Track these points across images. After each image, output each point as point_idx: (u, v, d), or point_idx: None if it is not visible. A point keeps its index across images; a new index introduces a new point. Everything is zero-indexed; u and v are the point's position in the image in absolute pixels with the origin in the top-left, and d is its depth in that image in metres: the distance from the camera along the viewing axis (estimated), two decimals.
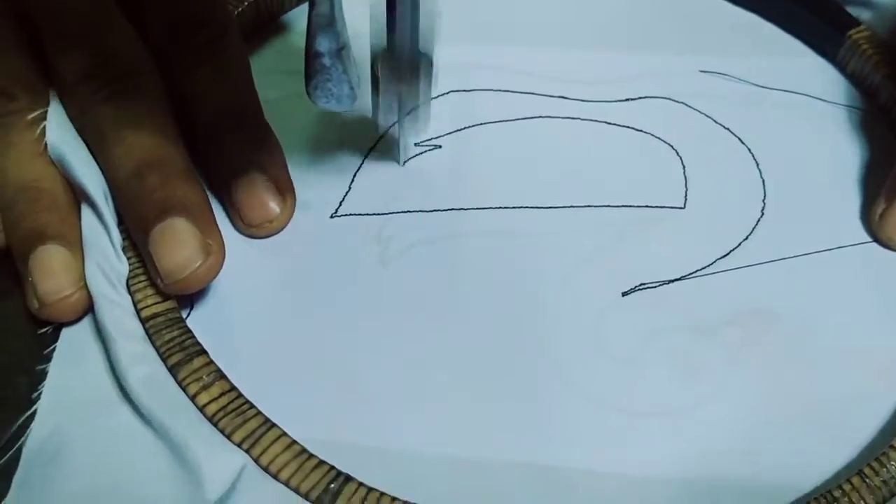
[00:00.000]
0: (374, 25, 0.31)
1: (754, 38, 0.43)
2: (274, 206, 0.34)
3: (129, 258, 0.32)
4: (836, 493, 0.27)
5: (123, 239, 0.32)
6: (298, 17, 0.44)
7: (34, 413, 0.30)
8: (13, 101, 0.32)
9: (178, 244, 0.30)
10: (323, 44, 0.26)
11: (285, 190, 0.34)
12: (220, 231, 0.32)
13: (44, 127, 0.32)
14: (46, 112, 0.33)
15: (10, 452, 0.29)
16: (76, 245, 0.32)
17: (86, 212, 0.32)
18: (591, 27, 0.44)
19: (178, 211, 0.30)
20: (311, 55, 0.27)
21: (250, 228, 0.34)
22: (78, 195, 0.33)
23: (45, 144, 0.32)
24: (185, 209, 0.31)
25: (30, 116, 0.32)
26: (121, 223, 0.32)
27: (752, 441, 0.30)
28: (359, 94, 0.28)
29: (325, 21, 0.26)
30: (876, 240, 0.35)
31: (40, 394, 0.30)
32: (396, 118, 0.34)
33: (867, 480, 0.28)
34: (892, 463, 0.28)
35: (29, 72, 0.33)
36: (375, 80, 0.32)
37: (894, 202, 0.34)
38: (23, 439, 0.29)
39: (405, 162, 0.37)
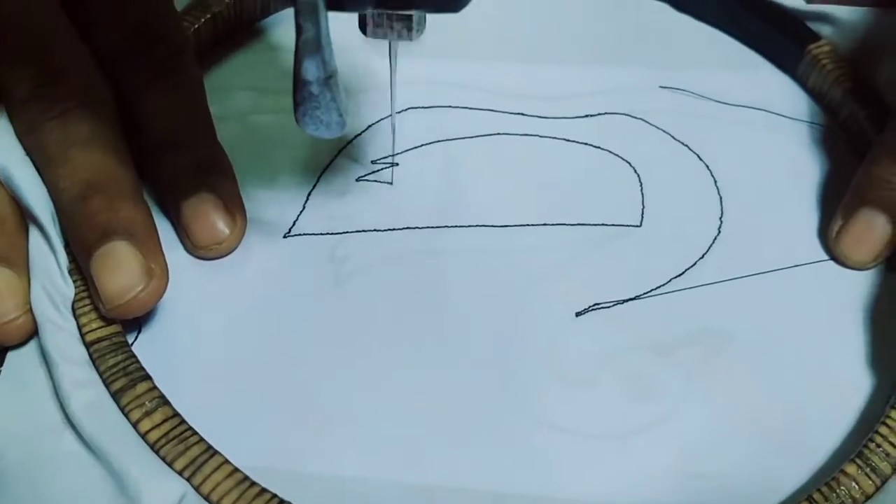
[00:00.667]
0: None
1: (715, 53, 0.43)
2: (223, 227, 0.33)
3: (74, 281, 0.31)
4: None
5: (70, 261, 0.32)
6: (266, 29, 0.43)
7: None
8: None
9: (119, 268, 0.30)
10: (311, 71, 0.26)
11: (235, 210, 0.34)
12: (163, 255, 0.31)
13: None
14: None
15: None
16: (22, 267, 0.31)
17: (33, 233, 0.32)
18: (551, 43, 0.43)
19: (120, 234, 0.30)
20: (298, 83, 0.26)
21: (199, 250, 0.34)
22: (25, 216, 0.32)
23: None
24: (128, 232, 0.30)
25: None
26: (67, 245, 0.32)
27: (703, 463, 0.30)
28: (347, 121, 0.28)
29: (313, 49, 0.25)
30: (832, 257, 0.35)
31: None
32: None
33: None
34: (842, 488, 0.28)
35: None
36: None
37: (850, 220, 0.34)
38: None
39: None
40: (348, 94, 0.35)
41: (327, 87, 0.26)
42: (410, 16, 0.30)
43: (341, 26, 0.28)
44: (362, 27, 0.30)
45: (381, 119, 0.39)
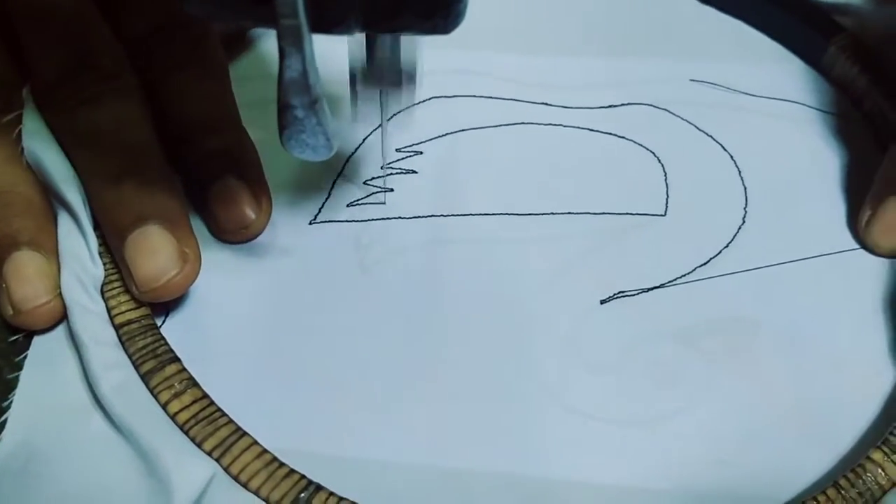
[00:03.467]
0: (352, 39, 0.30)
1: (739, 45, 0.43)
2: (249, 212, 0.33)
3: (104, 263, 0.32)
4: None
5: (99, 244, 0.32)
6: None
7: (4, 422, 0.29)
8: None
9: (153, 252, 0.30)
10: (295, 97, 0.25)
11: (261, 195, 0.34)
12: (196, 239, 0.32)
13: (20, 130, 0.32)
14: (21, 115, 0.32)
15: None
16: (52, 251, 0.31)
17: (62, 217, 0.32)
18: (574, 33, 0.43)
19: (154, 218, 0.30)
20: (282, 107, 0.26)
21: (225, 234, 0.34)
22: (54, 200, 0.32)
23: (22, 148, 0.32)
24: (162, 216, 0.30)
25: (5, 119, 0.32)
26: (97, 228, 0.32)
27: (728, 450, 0.30)
28: (336, 143, 0.27)
29: (297, 73, 0.25)
30: (863, 246, 0.35)
31: (11, 402, 0.30)
32: (377, 124, 0.33)
33: (843, 492, 0.27)
34: (868, 474, 0.28)
35: (5, 72, 0.33)
36: (355, 92, 0.31)
37: (879, 209, 0.34)
38: None
39: (387, 168, 0.37)
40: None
41: (313, 111, 0.26)
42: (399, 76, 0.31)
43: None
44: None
45: (405, 108, 0.39)
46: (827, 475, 0.29)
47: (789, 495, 0.29)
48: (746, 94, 0.40)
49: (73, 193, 0.32)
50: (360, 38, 0.30)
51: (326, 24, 0.25)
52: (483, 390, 0.31)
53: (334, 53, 0.29)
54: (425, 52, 0.33)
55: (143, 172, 0.31)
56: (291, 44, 0.24)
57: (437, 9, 0.25)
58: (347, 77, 0.30)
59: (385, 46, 0.29)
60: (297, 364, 0.31)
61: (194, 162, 0.34)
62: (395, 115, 0.35)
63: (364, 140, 0.38)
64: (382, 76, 0.31)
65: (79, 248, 0.31)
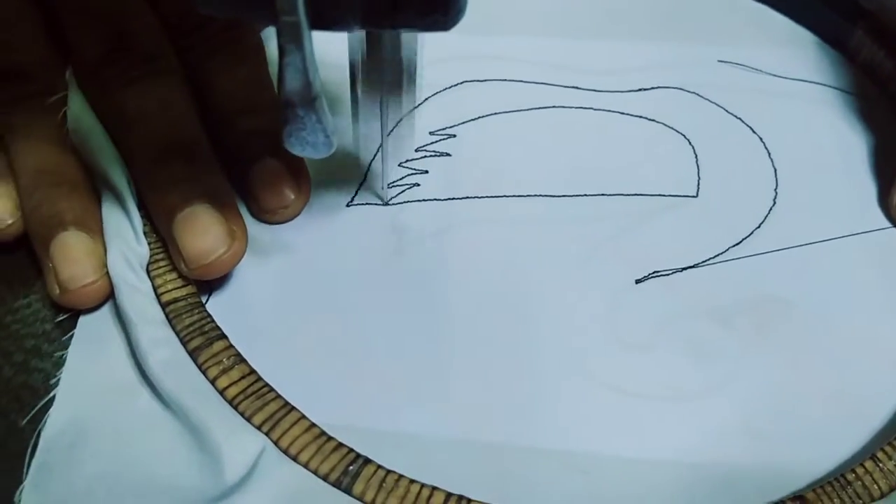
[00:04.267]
0: (352, 44, 0.30)
1: (766, 29, 0.44)
2: (289, 193, 0.34)
3: (149, 243, 0.32)
4: (850, 477, 0.28)
5: (144, 224, 0.32)
6: None
7: (52, 399, 0.30)
8: (32, 83, 0.32)
9: (203, 230, 0.30)
10: (295, 94, 0.25)
11: (300, 176, 0.34)
12: (242, 217, 0.32)
13: (65, 112, 0.32)
14: (66, 96, 0.33)
15: (32, 439, 0.29)
16: (97, 231, 0.32)
17: (107, 197, 0.32)
18: (602, 18, 0.44)
19: (202, 197, 0.31)
20: (283, 104, 0.26)
21: (265, 214, 0.34)
22: (98, 180, 0.33)
23: (67, 130, 0.32)
24: (210, 195, 0.31)
25: (49, 100, 0.32)
26: (141, 208, 0.32)
27: (765, 426, 0.30)
28: (336, 141, 0.27)
29: (296, 70, 0.25)
30: (894, 224, 0.35)
31: (58, 380, 0.30)
32: (378, 144, 0.33)
33: (880, 464, 0.28)
34: None
35: (48, 54, 0.33)
36: (355, 94, 0.32)
37: None
38: (41, 425, 0.29)
39: (389, 189, 0.36)
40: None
41: (312, 108, 0.26)
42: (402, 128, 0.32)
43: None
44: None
45: (439, 91, 0.40)
46: (863, 449, 0.30)
47: (825, 469, 0.29)
48: (774, 75, 0.41)
49: (117, 174, 0.32)
50: (360, 36, 0.30)
51: (326, 21, 0.25)
52: (519, 367, 0.31)
53: (334, 51, 0.29)
54: (455, 37, 0.33)
55: (189, 152, 0.32)
56: (291, 41, 0.24)
57: (435, 5, 0.25)
58: (347, 75, 0.31)
59: (385, 46, 0.29)
60: (337, 342, 0.32)
61: (233, 143, 0.34)
62: (429, 97, 0.35)
63: (398, 122, 0.38)
64: (382, 76, 0.31)
65: (124, 228, 0.32)
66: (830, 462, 0.29)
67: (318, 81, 0.26)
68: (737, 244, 0.35)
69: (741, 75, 0.41)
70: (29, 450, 0.29)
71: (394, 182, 0.36)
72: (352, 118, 0.33)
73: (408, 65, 0.31)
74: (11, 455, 0.28)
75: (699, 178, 0.37)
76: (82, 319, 0.32)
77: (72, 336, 0.31)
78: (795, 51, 0.42)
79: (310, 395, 0.30)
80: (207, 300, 0.32)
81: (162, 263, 0.32)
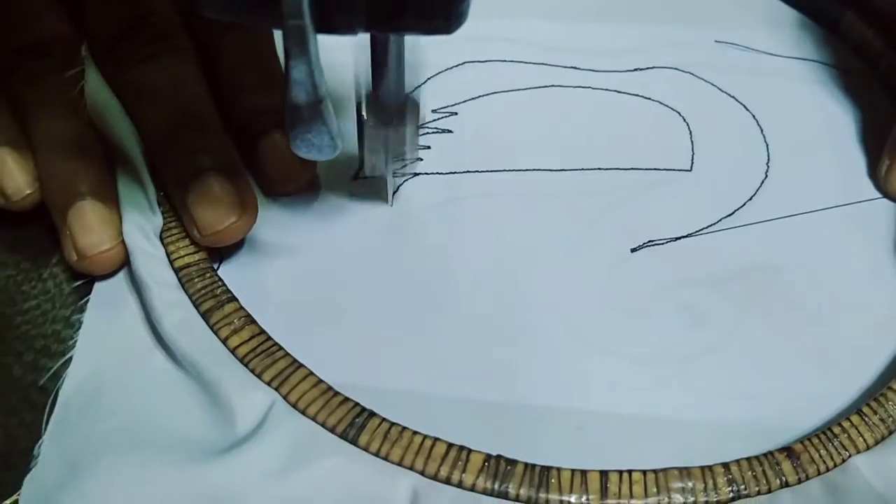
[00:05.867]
0: (358, 70, 0.31)
1: (760, 12, 0.45)
2: (296, 165, 0.35)
3: (162, 212, 0.33)
4: (836, 430, 0.29)
5: (158, 194, 0.34)
6: None
7: (69, 359, 0.31)
8: (50, 59, 0.34)
9: (215, 200, 0.31)
10: (301, 96, 0.26)
11: None
12: (252, 188, 0.33)
13: (82, 86, 0.34)
14: (82, 71, 0.34)
15: (51, 397, 0.30)
16: (113, 200, 0.33)
17: (122, 168, 0.34)
18: (601, 0, 0.45)
19: (214, 168, 0.32)
20: (289, 107, 0.26)
21: (274, 186, 0.35)
22: (114, 152, 0.34)
23: (84, 104, 0.34)
24: (221, 166, 0.32)
25: (67, 74, 0.34)
26: (154, 179, 0.34)
27: (755, 385, 0.31)
28: (341, 143, 0.28)
29: (302, 73, 0.25)
30: (885, 195, 0.37)
31: (76, 341, 0.32)
32: (384, 161, 0.34)
33: (866, 419, 0.29)
34: (891, 403, 0.29)
35: (65, 30, 0.34)
36: (361, 125, 0.32)
37: None
38: (59, 383, 0.30)
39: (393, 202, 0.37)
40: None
41: (317, 111, 0.26)
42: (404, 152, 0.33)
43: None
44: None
45: (441, 71, 0.41)
46: (850, 406, 0.31)
47: (813, 425, 0.30)
48: (768, 53, 0.42)
49: (132, 147, 0.33)
50: (366, 65, 0.31)
51: (331, 24, 0.25)
52: (518, 331, 0.33)
53: (340, 55, 0.30)
54: None
55: (201, 126, 0.33)
56: (297, 44, 0.25)
57: (438, 10, 0.25)
58: (352, 78, 0.32)
59: (391, 54, 0.30)
60: (341, 306, 0.33)
61: (243, 119, 0.35)
62: (431, 76, 0.36)
63: (411, 93, 0.39)
64: (388, 106, 0.32)
65: (139, 198, 0.33)
66: (818, 418, 0.30)
67: (324, 84, 0.26)
68: (729, 215, 0.36)
69: (735, 55, 0.42)
70: (48, 408, 0.30)
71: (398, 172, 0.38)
72: (357, 143, 0.34)
73: (412, 93, 0.32)
74: (25, 451, 0.29)
75: (693, 153, 0.38)
76: (98, 285, 0.33)
77: (88, 301, 0.33)
78: (789, 31, 0.44)
79: (316, 356, 0.31)
80: (219, 266, 0.34)
81: (175, 231, 0.33)
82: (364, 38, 0.30)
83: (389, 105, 0.32)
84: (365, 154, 0.33)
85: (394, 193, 0.36)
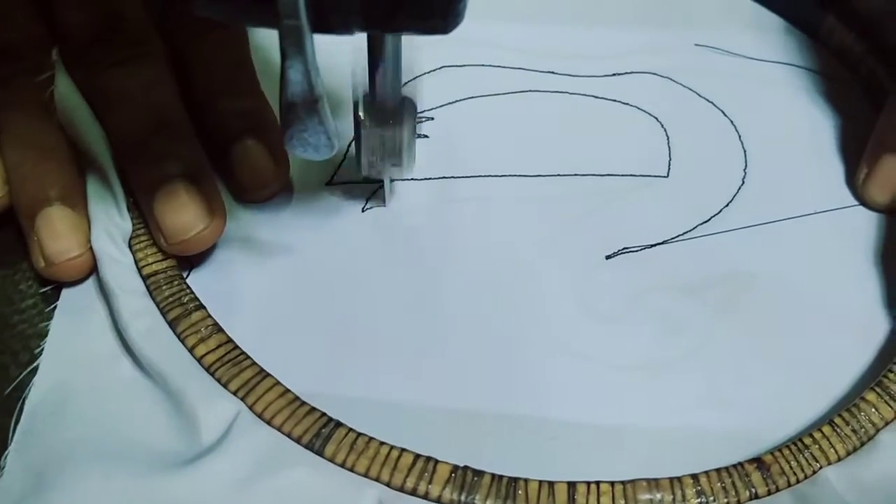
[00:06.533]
0: (356, 71, 0.31)
1: (740, 15, 0.45)
2: (268, 172, 0.35)
3: (131, 218, 0.33)
4: (807, 441, 0.29)
5: (127, 200, 0.33)
6: None
7: (36, 368, 0.31)
8: (21, 62, 0.33)
9: (182, 207, 0.31)
10: (297, 95, 0.26)
11: (280, 157, 0.35)
12: (221, 196, 0.33)
13: (52, 90, 0.33)
14: (53, 75, 0.34)
15: (17, 407, 0.30)
16: (82, 206, 0.33)
17: (91, 174, 0.33)
18: (579, 4, 0.45)
19: (182, 175, 0.32)
20: (285, 106, 0.26)
21: (245, 193, 0.35)
22: (83, 158, 0.34)
23: (55, 107, 0.33)
24: (190, 173, 0.32)
25: (38, 78, 0.33)
26: (124, 185, 0.33)
27: (728, 394, 0.31)
28: (337, 142, 0.28)
29: (299, 73, 0.25)
30: (862, 203, 0.36)
31: (42, 349, 0.31)
32: (380, 161, 0.34)
33: (837, 430, 0.29)
34: (863, 414, 0.29)
35: (36, 33, 0.34)
36: (358, 125, 0.32)
37: (875, 166, 0.36)
38: (25, 392, 0.30)
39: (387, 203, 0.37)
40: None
41: (314, 110, 0.26)
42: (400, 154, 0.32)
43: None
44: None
45: (418, 76, 0.41)
46: (823, 416, 0.30)
47: (786, 434, 0.30)
48: (747, 57, 0.42)
49: (102, 152, 0.33)
50: (363, 68, 0.30)
51: (327, 24, 0.25)
52: (491, 338, 0.32)
53: (336, 54, 0.30)
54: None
55: (170, 132, 0.33)
56: (293, 44, 0.24)
57: (435, 9, 0.25)
58: (349, 77, 0.32)
59: (387, 53, 0.30)
60: (313, 315, 0.33)
61: (215, 125, 0.35)
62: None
63: None
64: (385, 107, 0.31)
65: (108, 203, 0.33)
66: (791, 428, 0.30)
67: (321, 84, 0.26)
68: (705, 222, 0.36)
69: (714, 60, 0.42)
70: (14, 417, 0.29)
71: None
72: (355, 146, 0.34)
73: (409, 94, 0.32)
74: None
75: (670, 158, 0.38)
76: (65, 292, 0.33)
77: (55, 308, 0.32)
78: (769, 35, 0.44)
79: (286, 364, 0.30)
80: (188, 275, 0.33)
81: (143, 238, 0.33)
82: (361, 39, 0.29)
83: (386, 105, 0.31)
84: (362, 155, 0.33)
85: (387, 194, 0.36)
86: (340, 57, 0.30)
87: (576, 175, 0.37)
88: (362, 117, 0.32)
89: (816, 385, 0.31)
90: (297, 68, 0.25)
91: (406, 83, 0.32)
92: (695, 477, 0.28)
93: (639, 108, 0.40)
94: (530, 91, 0.41)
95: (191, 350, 0.30)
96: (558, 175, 0.37)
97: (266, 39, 0.38)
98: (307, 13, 0.24)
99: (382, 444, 0.28)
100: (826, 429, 0.29)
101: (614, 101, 0.40)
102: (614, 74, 0.41)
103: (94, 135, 0.33)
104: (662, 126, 0.39)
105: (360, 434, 0.28)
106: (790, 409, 0.31)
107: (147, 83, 0.33)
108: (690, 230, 0.36)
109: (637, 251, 0.35)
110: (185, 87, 0.35)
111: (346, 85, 0.32)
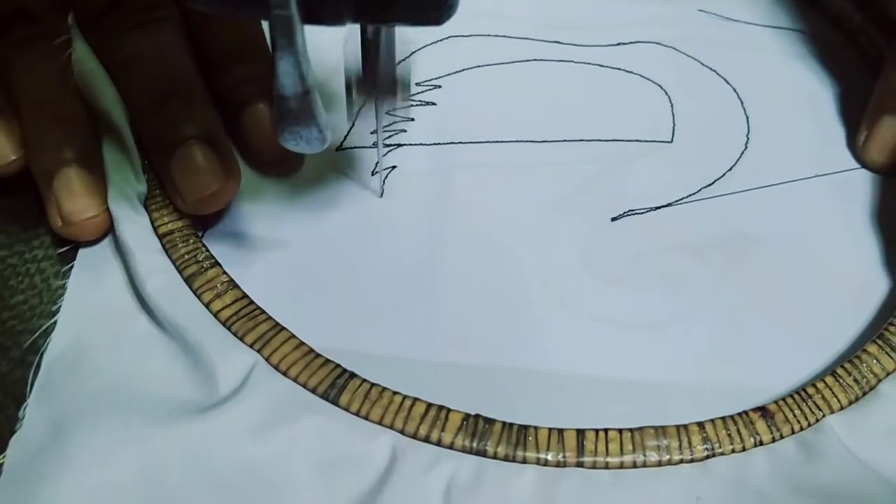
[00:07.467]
0: (348, 49, 0.31)
1: None
2: None
3: (147, 180, 0.34)
4: (810, 391, 0.29)
5: (143, 161, 0.34)
6: None
7: (54, 324, 0.31)
8: (37, 25, 0.34)
9: (198, 167, 0.32)
10: (288, 87, 0.26)
11: None
12: (235, 156, 0.34)
13: (69, 53, 0.34)
14: (70, 39, 0.34)
15: (35, 361, 0.30)
16: (99, 167, 0.33)
17: (108, 136, 0.34)
18: None
19: (198, 136, 0.32)
20: (276, 99, 0.26)
21: (256, 157, 0.36)
22: (100, 120, 0.34)
23: (72, 71, 0.34)
24: (205, 134, 0.32)
25: (55, 41, 0.34)
26: (139, 146, 0.34)
27: (731, 349, 0.32)
28: (329, 136, 0.28)
29: (290, 65, 0.25)
30: (863, 165, 0.37)
31: (60, 307, 0.32)
32: (372, 130, 0.34)
33: (840, 380, 0.29)
34: (865, 365, 0.30)
35: None
36: (350, 94, 0.32)
37: (874, 128, 0.36)
38: (43, 347, 0.31)
39: (382, 192, 0.37)
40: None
41: (306, 102, 0.26)
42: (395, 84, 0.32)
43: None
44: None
45: (425, 45, 0.41)
46: (825, 369, 0.31)
47: (789, 387, 0.30)
48: (748, 23, 0.43)
49: (118, 115, 0.34)
50: (356, 47, 0.31)
51: (319, 15, 0.25)
52: (500, 296, 0.33)
53: (327, 45, 0.30)
54: None
55: (186, 95, 0.33)
56: (283, 35, 0.24)
57: (428, 0, 0.25)
58: (342, 69, 0.32)
59: (379, 54, 0.30)
60: (325, 273, 0.33)
61: (227, 89, 0.36)
62: (415, 51, 0.37)
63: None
64: (377, 85, 0.32)
65: (124, 165, 0.33)
66: (793, 381, 0.31)
67: (312, 76, 0.26)
68: (709, 185, 0.36)
69: (717, 29, 0.43)
70: (32, 371, 0.30)
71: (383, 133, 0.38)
72: (347, 118, 0.34)
73: (402, 73, 0.32)
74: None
75: (674, 125, 0.39)
76: (82, 251, 0.33)
77: (72, 267, 0.33)
78: (770, 2, 0.44)
79: (299, 321, 0.31)
80: (203, 234, 0.34)
81: (159, 199, 0.33)
82: (354, 30, 0.30)
83: (378, 83, 0.32)
84: (354, 130, 0.33)
85: (378, 164, 0.37)
86: (332, 52, 0.31)
87: (582, 140, 0.38)
88: (354, 88, 0.32)
89: (818, 341, 0.32)
90: (289, 60, 0.25)
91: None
92: (700, 425, 0.28)
93: (643, 77, 0.41)
94: (536, 60, 0.41)
95: (207, 305, 0.31)
96: (564, 141, 0.38)
97: None
98: (298, 4, 0.24)
99: (396, 393, 0.29)
100: (829, 379, 0.29)
101: (619, 69, 0.41)
102: (619, 44, 0.42)
103: (110, 98, 0.34)
104: (666, 94, 0.40)
105: (373, 384, 0.29)
106: (793, 363, 0.31)
107: (162, 47, 0.34)
108: (694, 193, 0.36)
109: (642, 213, 0.36)
110: (199, 52, 0.36)
111: (338, 79, 0.32)
